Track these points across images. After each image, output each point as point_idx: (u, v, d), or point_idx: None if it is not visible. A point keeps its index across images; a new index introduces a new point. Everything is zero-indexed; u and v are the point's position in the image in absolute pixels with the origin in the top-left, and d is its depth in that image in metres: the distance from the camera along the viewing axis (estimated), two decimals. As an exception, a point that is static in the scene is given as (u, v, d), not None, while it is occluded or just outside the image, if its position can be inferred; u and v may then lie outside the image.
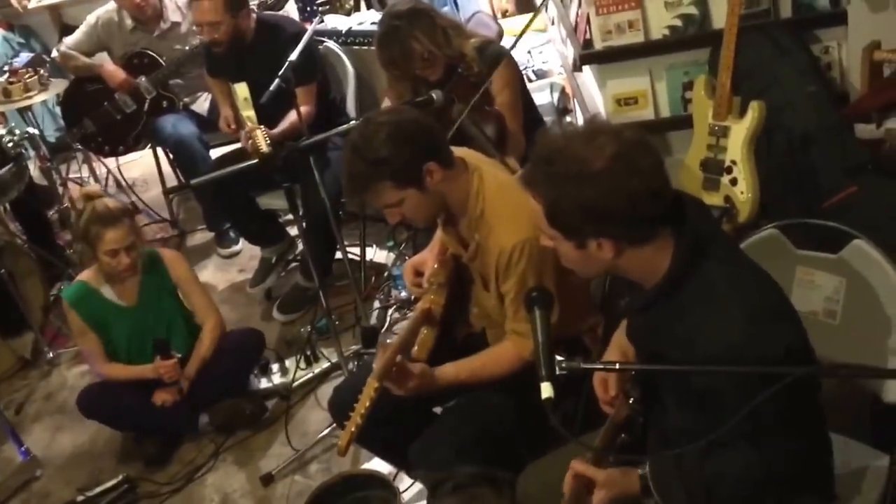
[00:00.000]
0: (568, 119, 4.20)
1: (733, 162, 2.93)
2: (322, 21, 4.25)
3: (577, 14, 3.43)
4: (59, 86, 4.56)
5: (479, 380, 2.34)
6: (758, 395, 1.46)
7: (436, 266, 2.48)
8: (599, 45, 3.18)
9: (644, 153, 1.63)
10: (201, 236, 4.77)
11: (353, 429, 2.20)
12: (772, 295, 1.69)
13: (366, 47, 4.16)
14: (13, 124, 4.43)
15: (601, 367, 1.80)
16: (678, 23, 3.11)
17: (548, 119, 3.75)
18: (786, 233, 2.25)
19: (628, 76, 3.22)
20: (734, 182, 2.94)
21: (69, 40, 4.58)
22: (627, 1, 3.08)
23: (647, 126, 3.14)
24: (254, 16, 3.85)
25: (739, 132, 2.89)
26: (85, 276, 3.34)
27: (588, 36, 3.26)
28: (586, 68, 3.53)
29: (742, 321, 1.60)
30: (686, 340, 1.64)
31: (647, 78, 3.21)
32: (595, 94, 3.51)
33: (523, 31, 3.29)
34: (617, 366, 1.76)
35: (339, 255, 3.75)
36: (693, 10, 3.08)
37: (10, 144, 4.00)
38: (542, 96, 4.05)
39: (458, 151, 2.35)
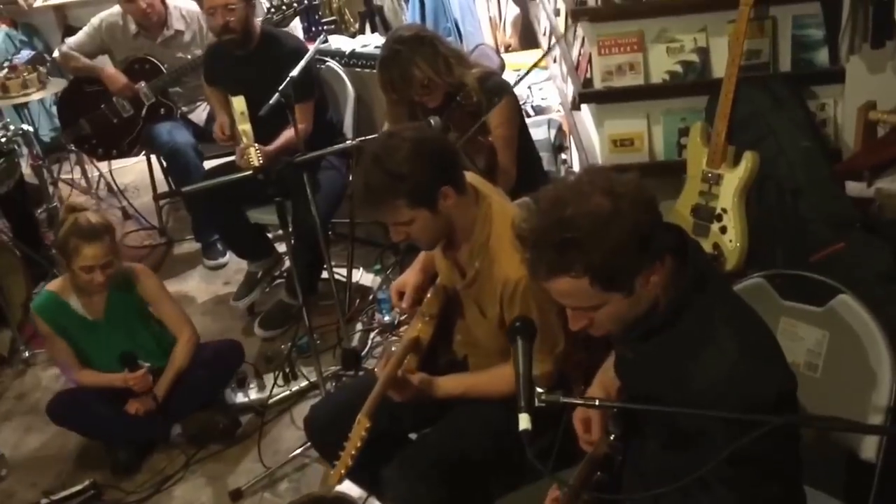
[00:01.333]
0: (563, 157, 4.22)
1: (724, 210, 2.95)
2: (326, 40, 4.27)
3: (580, 53, 3.46)
4: (57, 85, 4.56)
5: (475, 396, 2.35)
6: (743, 437, 1.46)
7: (428, 297, 2.48)
8: (599, 84, 3.21)
9: (614, 173, 1.67)
10: (189, 246, 4.75)
11: (342, 470, 2.19)
12: (767, 338, 1.71)
13: (368, 70, 4.18)
14: (8, 120, 4.41)
15: (581, 402, 1.79)
16: (678, 69, 3.15)
17: (543, 155, 3.76)
18: (772, 283, 2.26)
19: (626, 118, 3.24)
20: (724, 230, 2.96)
21: (72, 41, 4.58)
22: (630, 43, 3.11)
23: (641, 169, 3.16)
24: (259, 26, 3.87)
25: (732, 181, 2.92)
26: (53, 286, 3.31)
27: (589, 75, 3.29)
28: (585, 107, 3.56)
29: (739, 358, 1.61)
30: (679, 375, 1.64)
31: (644, 121, 3.24)
32: (592, 134, 3.54)
33: (529, 70, 3.32)
34: (597, 402, 1.75)
35: (325, 274, 3.76)
36: (694, 58, 3.12)
37: (4, 140, 3.98)
38: (539, 132, 4.07)
39: (469, 178, 2.35)
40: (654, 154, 3.28)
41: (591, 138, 3.54)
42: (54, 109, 5.27)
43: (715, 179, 2.95)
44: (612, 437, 1.84)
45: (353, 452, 2.18)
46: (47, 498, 3.11)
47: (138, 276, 3.35)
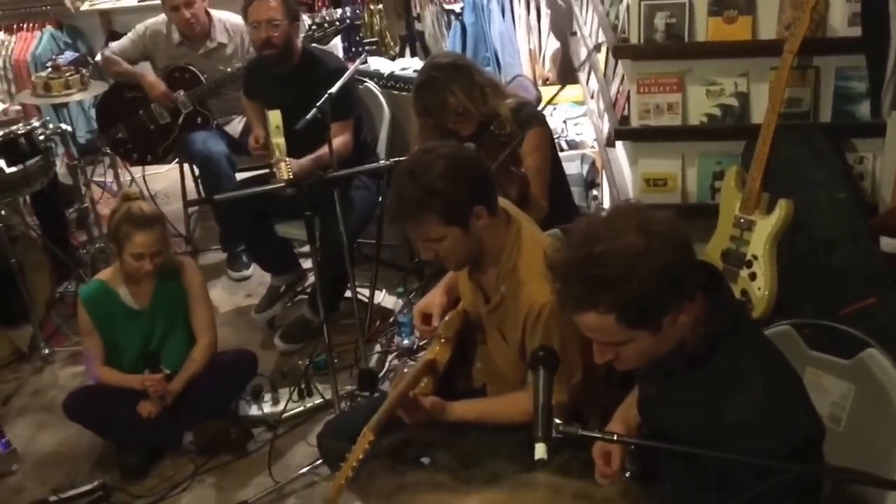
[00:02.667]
0: (594, 193, 4.22)
1: (754, 256, 2.92)
2: (366, 61, 4.31)
3: (618, 90, 3.46)
4: (98, 88, 4.61)
5: (488, 421, 2.32)
6: (765, 482, 1.44)
7: (447, 319, 2.47)
8: (636, 122, 3.20)
9: (650, 210, 1.66)
10: (214, 256, 4.77)
11: (342, 481, 2.18)
12: (797, 384, 1.69)
13: (405, 93, 4.21)
14: (47, 118, 4.46)
15: (599, 435, 1.77)
16: (717, 112, 3.13)
17: (574, 190, 3.76)
18: (800, 332, 2.23)
19: (660, 157, 3.23)
20: (753, 277, 2.92)
21: (115, 46, 4.65)
22: (670, 83, 3.10)
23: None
24: (300, 45, 3.91)
25: (764, 228, 2.89)
26: (103, 275, 3.37)
27: (626, 112, 3.29)
28: (619, 144, 3.55)
29: (768, 402, 1.59)
30: (704, 415, 1.63)
31: (678, 161, 3.22)
32: (625, 171, 3.53)
33: (554, 97, 3.33)
34: (615, 437, 1.73)
35: (348, 293, 3.76)
36: (734, 102, 3.10)
37: (42, 137, 4.02)
38: (571, 166, 4.07)
39: (502, 203, 2.35)
40: (687, 195, 3.26)
41: (624, 176, 3.53)
42: (92, 112, 5.34)
43: (747, 225, 2.92)
44: (627, 474, 1.81)
45: (354, 464, 2.16)
46: (56, 495, 3.11)
47: (185, 266, 3.40)
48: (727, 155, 3.15)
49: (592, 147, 4.39)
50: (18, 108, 4.60)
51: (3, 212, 3.83)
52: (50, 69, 4.45)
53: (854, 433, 2.10)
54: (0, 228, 3.77)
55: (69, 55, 5.09)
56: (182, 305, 3.37)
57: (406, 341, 3.78)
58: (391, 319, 3.99)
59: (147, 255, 3.16)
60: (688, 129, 3.16)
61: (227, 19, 4.55)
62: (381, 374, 3.66)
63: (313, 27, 4.23)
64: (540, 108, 3.47)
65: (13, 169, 3.95)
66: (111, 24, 5.94)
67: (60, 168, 4.66)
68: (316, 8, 5.58)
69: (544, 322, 2.18)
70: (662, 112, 3.15)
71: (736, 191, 2.97)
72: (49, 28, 5.79)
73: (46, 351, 3.99)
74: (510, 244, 2.27)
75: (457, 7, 5.30)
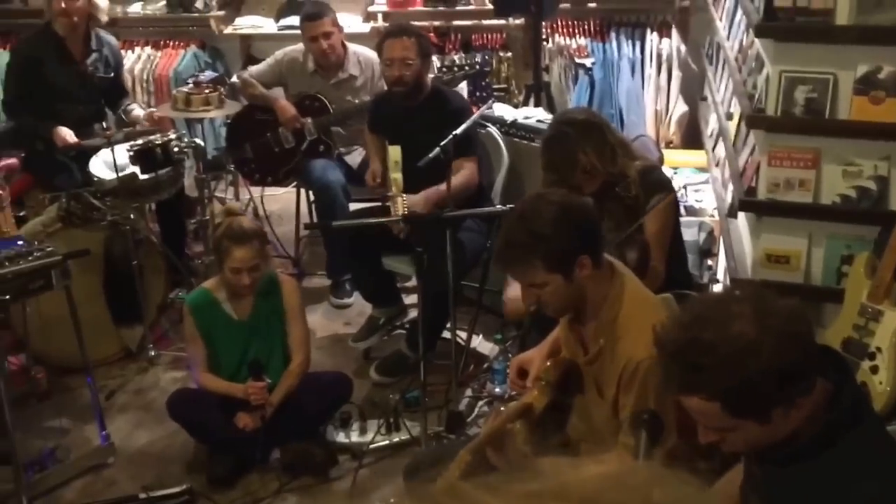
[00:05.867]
0: (709, 262, 4.11)
1: (878, 349, 2.78)
2: (491, 106, 4.34)
3: (747, 160, 3.38)
4: (232, 107, 4.77)
5: None
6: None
7: (549, 364, 2.43)
8: (763, 195, 3.10)
9: (770, 297, 1.59)
10: (318, 282, 4.83)
11: (456, 472, 2.14)
12: None
13: (525, 141, 4.21)
14: (182, 132, 4.65)
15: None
16: (852, 193, 3.01)
17: (689, 257, 3.66)
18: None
19: (786, 234, 3.11)
20: (875, 370, 2.78)
21: (253, 69, 4.84)
22: (804, 159, 3.00)
23: (793, 290, 3.02)
24: (430, 82, 3.98)
25: (893, 320, 2.75)
26: (208, 284, 3.48)
27: (753, 184, 3.20)
28: (742, 216, 3.46)
29: (883, 501, 1.49)
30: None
31: (805, 240, 3.10)
32: (745, 244, 3.42)
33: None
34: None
35: (445, 334, 3.75)
36: (871, 185, 2.98)
37: (176, 149, 4.18)
38: (688, 233, 3.97)
39: (606, 256, 2.33)
40: (811, 277, 3.13)
41: (744, 248, 3.43)
42: (221, 130, 5.54)
43: (874, 315, 2.79)
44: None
45: (456, 474, 2.13)
46: (145, 493, 3.18)
47: (285, 285, 3.48)
48: (858, 239, 3.02)
49: (712, 216, 4.29)
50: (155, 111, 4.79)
51: (132, 215, 3.99)
52: (191, 85, 4.64)
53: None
54: (127, 231, 3.92)
55: (209, 74, 5.30)
56: (280, 322, 3.44)
57: (498, 389, 3.75)
58: (485, 365, 3.96)
59: (245, 269, 3.24)
60: (819, 208, 3.04)
61: (362, 53, 4.68)
62: (470, 418, 3.62)
63: (443, 69, 4.30)
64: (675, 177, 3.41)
65: (146, 176, 4.12)
66: (250, 48, 6.18)
67: (188, 180, 4.83)
68: (446, 51, 5.68)
69: (641, 379, 2.13)
70: (793, 187, 3.04)
71: (865, 278, 2.84)
72: (193, 47, 6.06)
73: (153, 353, 4.11)
74: (613, 296, 2.24)
75: (587, 62, 5.31)
